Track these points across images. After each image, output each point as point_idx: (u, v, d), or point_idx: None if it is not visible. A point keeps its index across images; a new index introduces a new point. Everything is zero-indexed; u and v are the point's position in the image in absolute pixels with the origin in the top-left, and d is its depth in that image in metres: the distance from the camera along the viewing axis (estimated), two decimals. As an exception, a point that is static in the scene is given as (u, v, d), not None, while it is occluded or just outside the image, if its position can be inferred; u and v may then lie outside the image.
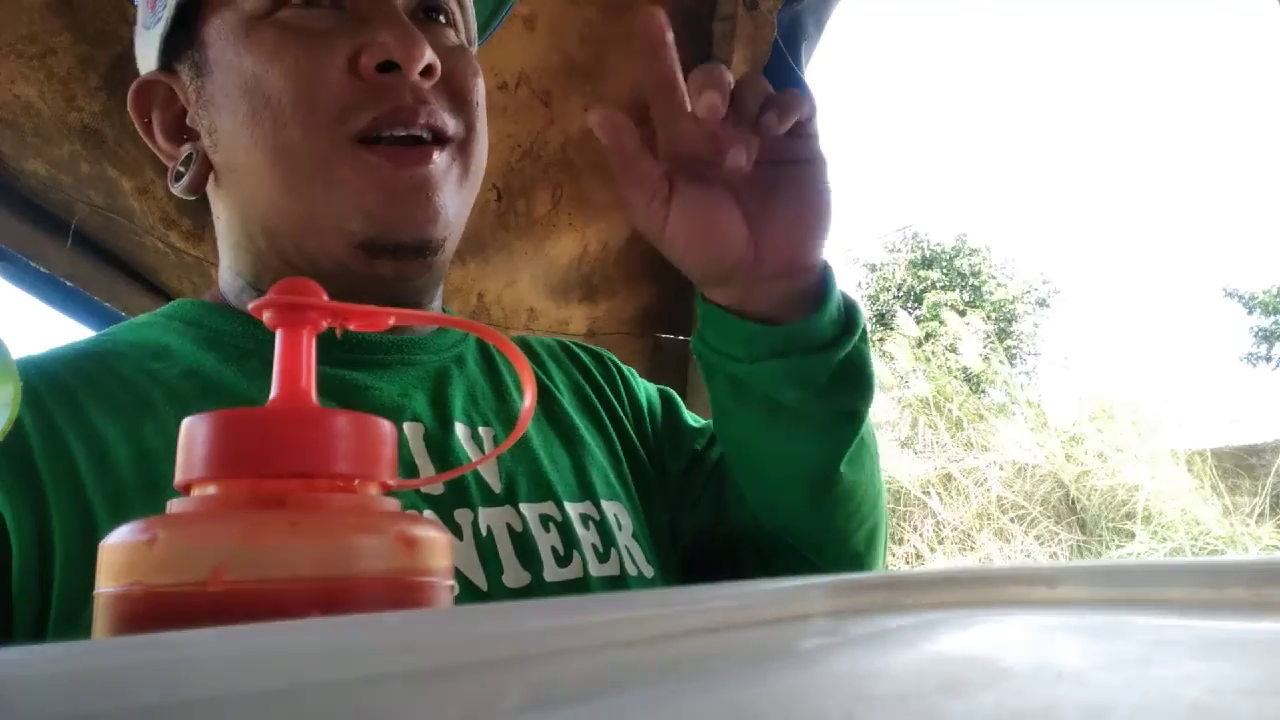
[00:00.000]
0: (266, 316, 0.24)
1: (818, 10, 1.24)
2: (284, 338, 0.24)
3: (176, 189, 0.60)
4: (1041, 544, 5.60)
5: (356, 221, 0.54)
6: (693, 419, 0.77)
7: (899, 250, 13.73)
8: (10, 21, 1.01)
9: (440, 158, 0.55)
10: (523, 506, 0.58)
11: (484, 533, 0.55)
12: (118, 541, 0.22)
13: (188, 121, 0.60)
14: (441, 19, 0.60)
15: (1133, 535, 5.24)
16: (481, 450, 0.60)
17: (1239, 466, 5.33)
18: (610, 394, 0.73)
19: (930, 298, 12.56)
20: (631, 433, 0.71)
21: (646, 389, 0.77)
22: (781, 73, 1.23)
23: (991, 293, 12.78)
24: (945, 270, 13.21)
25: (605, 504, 0.63)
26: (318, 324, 0.25)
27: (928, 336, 9.55)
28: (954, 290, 12.84)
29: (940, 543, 5.89)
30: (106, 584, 0.22)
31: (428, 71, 0.55)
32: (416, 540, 0.23)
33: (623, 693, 0.16)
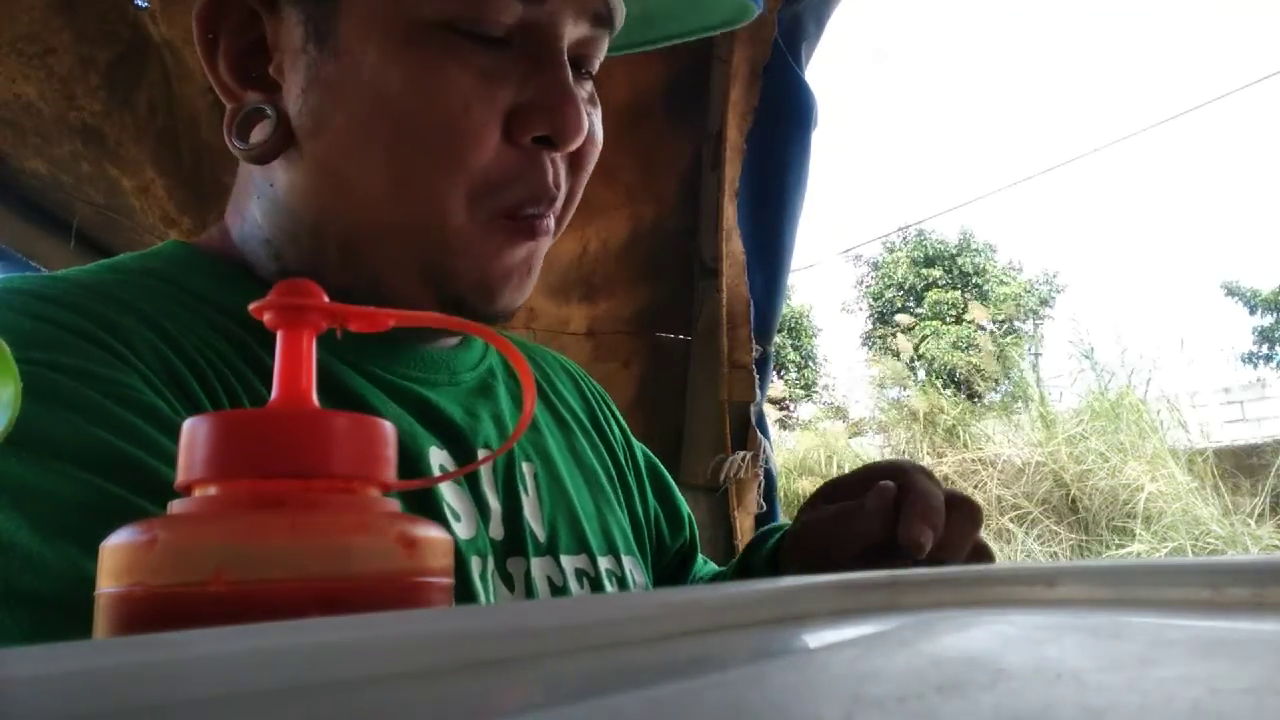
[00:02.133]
0: (267, 318, 0.24)
1: (818, 10, 1.24)
2: (284, 338, 0.24)
3: (235, 145, 0.51)
4: (1042, 544, 5.60)
5: (462, 288, 0.52)
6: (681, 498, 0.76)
7: (900, 249, 13.72)
8: (11, 20, 1.01)
9: (548, 226, 0.54)
10: (562, 559, 0.57)
11: (535, 584, 0.54)
12: (118, 542, 0.22)
13: (271, 70, 0.51)
14: (586, 70, 0.56)
15: (1133, 535, 5.24)
16: (535, 487, 0.58)
17: (1239, 466, 5.33)
18: (615, 439, 0.72)
19: (932, 295, 12.56)
20: (634, 487, 0.71)
21: (640, 447, 0.76)
22: (781, 73, 1.23)
23: (994, 291, 12.78)
24: (947, 268, 13.21)
25: (624, 559, 0.62)
26: (318, 325, 0.25)
27: (930, 334, 9.55)
28: (956, 289, 12.83)
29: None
30: (107, 584, 0.22)
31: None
32: (416, 541, 0.23)
33: (623, 693, 0.16)
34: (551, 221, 0.54)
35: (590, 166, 0.56)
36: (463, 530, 0.52)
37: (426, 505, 0.50)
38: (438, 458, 0.53)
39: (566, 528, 0.58)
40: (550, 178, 0.51)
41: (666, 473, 0.77)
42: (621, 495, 0.68)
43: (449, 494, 0.52)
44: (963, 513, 0.55)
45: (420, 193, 0.49)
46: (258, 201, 0.54)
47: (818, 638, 0.23)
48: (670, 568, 0.72)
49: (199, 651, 0.16)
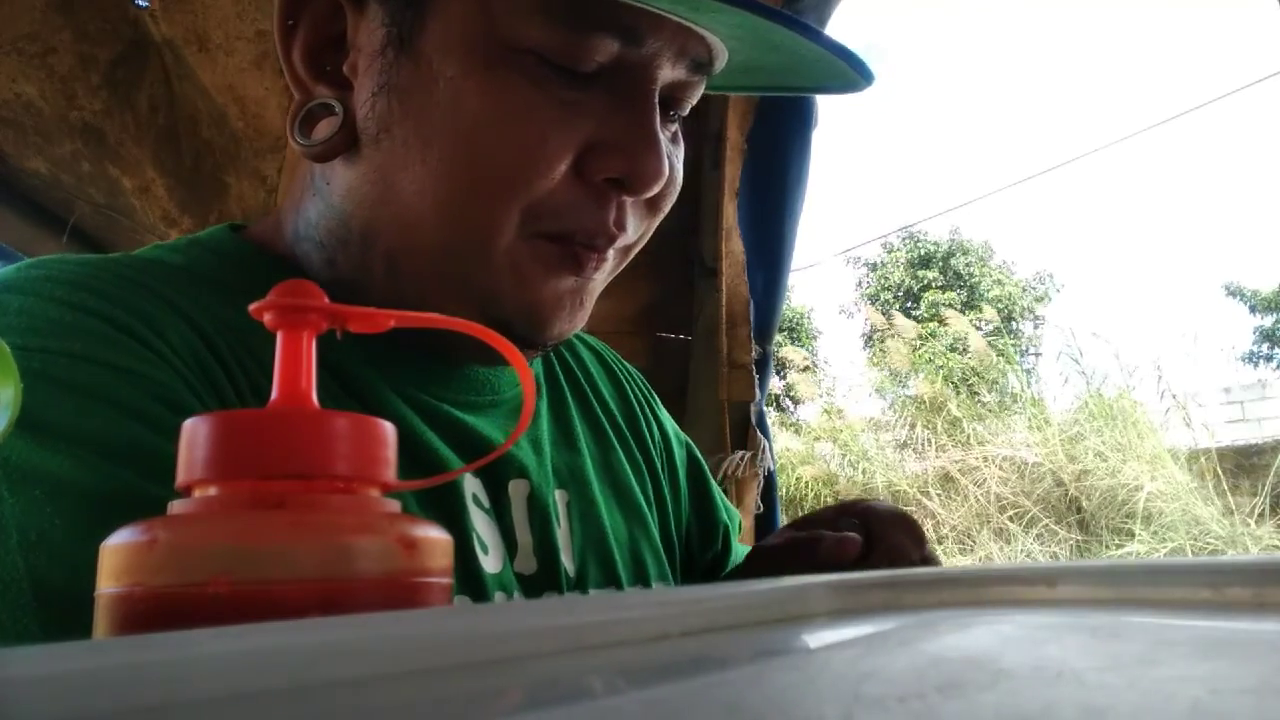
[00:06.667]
0: (267, 318, 0.24)
1: (818, 10, 1.24)
2: (284, 339, 0.24)
3: (297, 140, 0.49)
4: (1041, 544, 5.60)
5: (507, 311, 0.50)
6: (721, 503, 0.74)
7: (897, 250, 13.72)
8: (11, 20, 1.01)
9: (608, 262, 0.52)
10: (591, 593, 0.55)
11: None
12: (118, 542, 0.22)
13: (345, 67, 0.49)
14: (675, 113, 0.53)
15: (1133, 535, 5.24)
16: (568, 517, 0.56)
17: (1239, 466, 5.34)
18: (654, 443, 0.69)
19: (928, 297, 12.55)
20: (668, 499, 0.68)
21: (679, 440, 0.73)
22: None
23: (990, 290, 12.77)
24: (942, 269, 13.21)
25: (655, 586, 0.61)
26: (318, 325, 0.25)
27: (929, 335, 9.55)
28: (952, 290, 12.83)
29: (940, 542, 5.89)
30: (107, 584, 0.22)
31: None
32: (416, 541, 0.23)
33: (623, 693, 0.16)
34: (609, 257, 0.51)
35: (667, 208, 0.53)
36: (490, 564, 0.50)
37: (457, 538, 0.49)
38: (471, 487, 0.52)
39: (596, 560, 0.57)
40: (612, 218, 0.49)
41: (709, 476, 0.74)
42: (655, 512, 0.66)
43: (480, 525, 0.51)
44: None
45: (470, 214, 0.47)
46: (313, 200, 0.53)
47: (818, 638, 0.23)
48: (703, 577, 0.70)
49: (199, 651, 0.16)
